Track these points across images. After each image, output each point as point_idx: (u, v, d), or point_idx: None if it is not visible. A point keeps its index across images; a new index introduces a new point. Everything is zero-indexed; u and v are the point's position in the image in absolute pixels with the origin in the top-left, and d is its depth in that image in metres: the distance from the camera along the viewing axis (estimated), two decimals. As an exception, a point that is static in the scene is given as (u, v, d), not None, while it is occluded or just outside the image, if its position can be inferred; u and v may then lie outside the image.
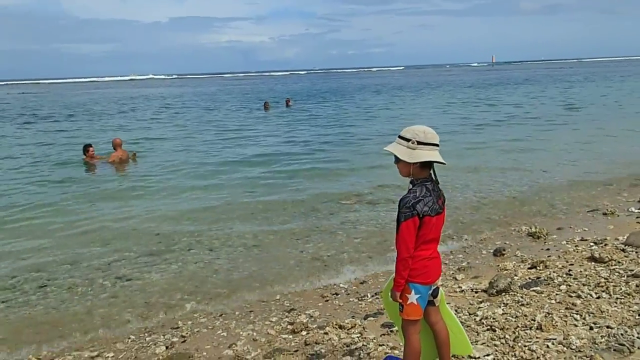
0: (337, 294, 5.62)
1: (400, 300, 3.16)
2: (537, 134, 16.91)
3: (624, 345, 3.63)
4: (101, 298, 5.81)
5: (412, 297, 3.13)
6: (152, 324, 5.22)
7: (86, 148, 14.24)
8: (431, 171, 3.10)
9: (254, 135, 19.66)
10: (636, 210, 7.82)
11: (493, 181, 10.36)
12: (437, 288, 3.27)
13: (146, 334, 4.97)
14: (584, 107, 25.26)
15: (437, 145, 3.03)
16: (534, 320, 4.23)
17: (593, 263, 5.57)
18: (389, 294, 3.31)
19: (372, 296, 5.43)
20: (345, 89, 57.52)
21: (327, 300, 5.47)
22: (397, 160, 3.05)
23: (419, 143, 2.98)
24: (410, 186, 3.08)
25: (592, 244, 6.36)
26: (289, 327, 4.78)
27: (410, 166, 3.01)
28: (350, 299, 5.44)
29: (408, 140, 3.00)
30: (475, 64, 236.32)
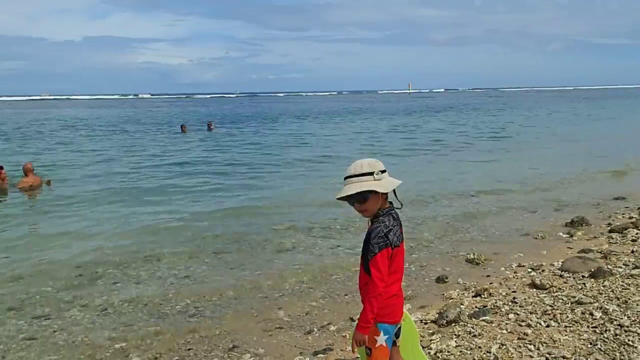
0: (281, 328, 5.30)
1: (368, 344, 2.91)
2: (463, 156, 17.43)
3: (585, 377, 3.57)
4: (17, 340, 5.16)
5: (381, 339, 2.92)
6: (77, 369, 4.68)
7: None
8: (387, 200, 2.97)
9: (175, 160, 18.92)
10: (564, 235, 8.08)
11: (425, 207, 10.44)
12: (400, 327, 3.09)
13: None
14: (507, 135, 26.45)
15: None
16: (490, 353, 4.13)
17: (535, 290, 5.61)
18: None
19: (319, 330, 5.17)
20: (267, 113, 57.47)
21: (270, 335, 5.14)
22: (364, 199, 2.84)
23: (381, 172, 2.85)
24: (369, 223, 2.92)
25: (529, 269, 6.45)
26: (233, 368, 4.43)
27: (380, 200, 2.86)
28: (296, 334, 5.14)
29: (370, 173, 2.82)
30: (394, 91, 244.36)
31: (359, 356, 3.36)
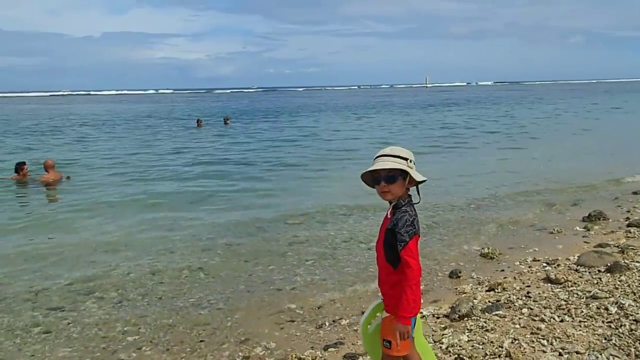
0: (292, 321, 5.30)
1: (389, 337, 2.89)
2: (479, 153, 17.27)
3: (598, 372, 3.52)
4: (32, 334, 5.21)
5: None
6: (90, 359, 4.72)
7: (20, 166, 13.25)
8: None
9: (191, 154, 19.03)
10: (581, 230, 7.96)
11: (440, 200, 10.35)
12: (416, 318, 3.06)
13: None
14: (524, 128, 26.16)
15: None
16: (502, 347, 4.08)
17: (549, 284, 5.53)
18: (369, 326, 3.06)
19: (330, 324, 5.16)
20: (285, 108, 57.45)
21: (282, 328, 5.15)
22: (392, 180, 2.83)
23: (412, 162, 2.88)
24: (391, 210, 2.89)
25: (544, 264, 6.37)
26: (244, 360, 4.44)
27: (404, 187, 2.87)
28: (308, 327, 5.14)
29: (406, 159, 2.85)
30: (411, 85, 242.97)
31: (368, 350, 3.35)
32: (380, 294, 3.10)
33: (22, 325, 5.36)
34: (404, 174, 2.83)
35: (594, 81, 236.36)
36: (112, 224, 9.31)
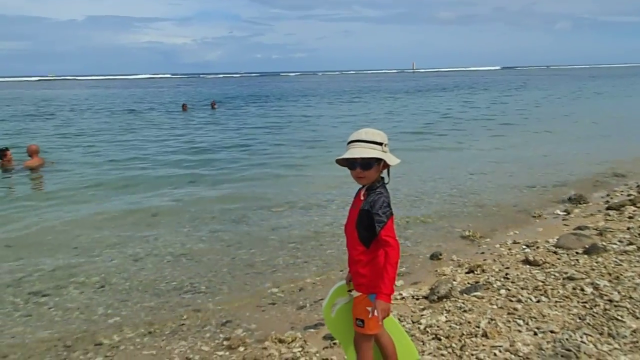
0: (273, 304, 5.35)
1: (361, 316, 2.94)
2: (458, 138, 17.35)
3: (570, 350, 3.60)
4: (14, 317, 5.22)
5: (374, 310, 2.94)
6: (71, 342, 4.72)
7: (3, 152, 13.08)
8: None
9: (175, 140, 18.98)
10: (561, 213, 8.06)
11: (423, 184, 10.43)
12: None
13: (65, 353, 4.51)
14: (506, 113, 26.31)
15: None
16: (479, 327, 4.15)
17: (528, 266, 5.61)
18: (330, 309, 3.12)
19: (311, 305, 5.22)
20: (272, 93, 57.26)
21: (263, 311, 5.20)
22: (368, 166, 2.85)
23: (386, 146, 2.88)
24: (364, 191, 2.92)
25: (524, 246, 6.44)
26: (225, 342, 4.50)
27: (379, 171, 2.89)
28: (288, 309, 5.20)
29: (380, 144, 2.85)
30: (397, 70, 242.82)
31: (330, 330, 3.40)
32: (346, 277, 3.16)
33: (2, 310, 5.36)
34: (379, 160, 2.85)
35: (581, 66, 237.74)
36: (95, 210, 9.24)
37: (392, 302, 2.88)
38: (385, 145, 2.87)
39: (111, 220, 8.54)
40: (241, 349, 4.31)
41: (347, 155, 2.86)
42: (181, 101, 36.76)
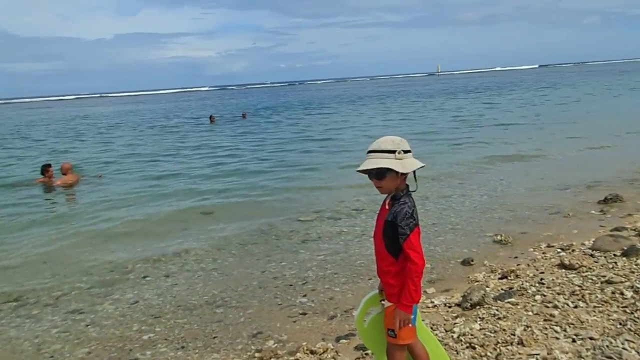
0: (304, 314, 5.32)
1: (392, 326, 2.92)
2: (487, 141, 17.12)
3: (611, 357, 3.49)
4: (51, 334, 5.31)
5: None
6: (108, 359, 4.79)
7: (45, 168, 13.46)
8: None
9: (204, 151, 19.30)
10: (597, 213, 7.86)
11: (451, 190, 10.32)
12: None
13: (102, 371, 4.57)
14: (538, 114, 25.87)
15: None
16: (514, 335, 4.06)
17: (564, 270, 5.48)
18: (364, 319, 3.08)
19: (342, 315, 5.18)
20: (300, 101, 57.54)
21: (294, 322, 5.17)
22: (382, 176, 2.83)
23: (404, 152, 2.83)
24: (389, 200, 2.89)
25: (559, 250, 6.31)
26: (256, 354, 4.50)
27: (399, 179, 2.85)
28: (319, 319, 5.16)
29: (393, 151, 2.81)
30: (423, 74, 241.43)
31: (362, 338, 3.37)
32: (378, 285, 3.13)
33: (41, 328, 5.46)
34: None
35: (614, 61, 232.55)
36: (128, 225, 9.39)
37: (411, 311, 2.88)
38: (399, 152, 2.82)
39: (143, 235, 8.68)
40: (273, 361, 4.30)
41: (362, 167, 2.86)
42: (209, 113, 37.24)
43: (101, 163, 17.33)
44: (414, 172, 2.90)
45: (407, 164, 2.83)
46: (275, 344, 4.68)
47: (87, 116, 52.52)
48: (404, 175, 2.87)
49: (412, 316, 2.90)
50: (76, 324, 5.54)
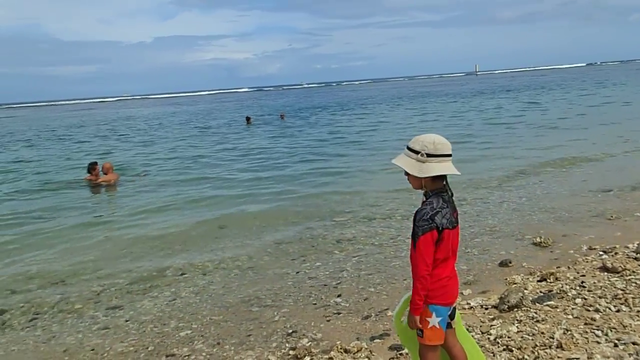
0: (338, 314, 5.33)
1: (420, 325, 2.89)
2: (526, 144, 16.79)
3: (655, 363, 3.37)
4: (92, 330, 5.46)
5: (434, 320, 2.89)
6: (145, 354, 4.88)
7: (92, 166, 13.88)
8: (444, 182, 2.88)
9: (243, 151, 19.61)
10: (642, 215, 7.63)
11: (489, 192, 10.15)
12: (454, 308, 3.03)
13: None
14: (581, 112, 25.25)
15: (448, 155, 2.82)
16: (553, 338, 3.97)
17: (606, 273, 5.33)
18: (402, 318, 3.06)
19: (376, 315, 5.16)
20: (337, 102, 57.55)
21: (328, 321, 5.18)
22: (407, 172, 2.84)
23: (428, 155, 2.77)
24: (424, 198, 2.86)
25: (601, 252, 6.14)
26: (291, 352, 4.52)
27: (421, 180, 2.81)
28: (353, 319, 5.16)
29: (417, 152, 2.79)
30: (460, 74, 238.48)
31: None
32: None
33: (83, 323, 5.62)
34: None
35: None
36: (166, 224, 9.58)
37: (417, 312, 2.90)
38: (422, 154, 2.78)
39: (180, 234, 8.82)
40: (307, 358, 4.32)
41: (393, 160, 2.90)
42: (245, 114, 37.66)
43: (140, 164, 17.69)
44: (446, 175, 2.86)
45: (425, 169, 2.77)
46: (310, 342, 4.70)
47: (129, 117, 53.73)
48: (432, 177, 2.81)
49: (438, 318, 2.88)
50: (116, 319, 5.67)
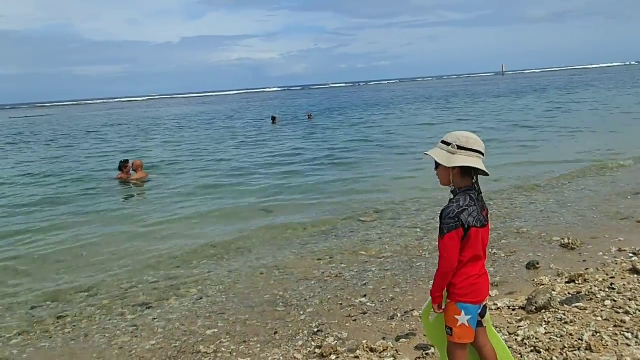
0: (364, 313, 5.34)
1: (449, 324, 2.91)
2: (553, 143, 16.54)
3: (687, 366, 3.31)
4: (121, 327, 5.56)
5: (463, 319, 2.89)
6: (172, 351, 4.96)
7: (124, 164, 14.16)
8: (473, 180, 2.88)
9: (270, 150, 19.77)
10: (673, 218, 7.46)
11: (517, 193, 10.04)
12: (485, 307, 3.03)
13: (168, 363, 4.73)
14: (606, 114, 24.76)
15: (480, 152, 2.84)
16: (582, 340, 3.93)
17: (636, 275, 5.24)
18: (429, 316, 3.07)
19: (402, 315, 5.16)
20: (364, 102, 57.48)
21: (355, 320, 5.20)
22: (437, 165, 2.87)
23: (459, 147, 2.81)
24: (451, 196, 2.87)
25: (631, 254, 6.04)
26: (316, 350, 4.54)
27: (450, 172, 2.83)
28: (379, 319, 5.17)
29: (449, 144, 2.83)
30: (487, 74, 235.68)
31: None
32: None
33: (112, 321, 5.73)
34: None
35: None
36: (194, 223, 9.70)
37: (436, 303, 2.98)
38: (453, 146, 2.81)
39: (207, 232, 8.96)
40: (333, 357, 4.34)
41: (427, 151, 2.94)
42: (271, 114, 37.88)
43: (170, 162, 17.94)
44: (476, 175, 2.87)
45: (453, 159, 2.80)
46: (336, 341, 4.72)
47: (158, 117, 54.51)
48: (460, 171, 2.82)
49: (467, 316, 2.88)
50: (143, 317, 5.76)
